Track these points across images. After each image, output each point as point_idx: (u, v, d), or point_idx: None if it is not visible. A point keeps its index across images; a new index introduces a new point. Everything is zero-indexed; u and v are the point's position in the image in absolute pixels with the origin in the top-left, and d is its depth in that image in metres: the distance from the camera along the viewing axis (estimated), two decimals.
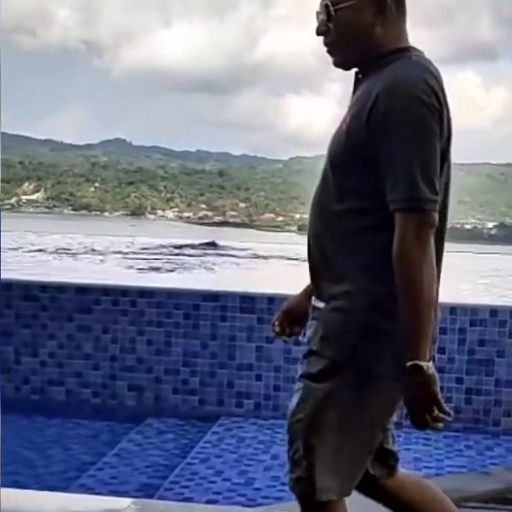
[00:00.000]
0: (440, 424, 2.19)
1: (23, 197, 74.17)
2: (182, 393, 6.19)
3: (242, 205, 77.36)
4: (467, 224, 66.48)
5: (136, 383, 6.19)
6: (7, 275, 7.12)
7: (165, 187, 77.39)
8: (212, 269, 10.21)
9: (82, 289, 6.27)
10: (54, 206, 74.50)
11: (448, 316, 5.85)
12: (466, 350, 5.91)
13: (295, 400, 2.31)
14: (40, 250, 11.40)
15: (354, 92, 2.35)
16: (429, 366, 2.13)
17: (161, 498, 4.59)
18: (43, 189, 75.26)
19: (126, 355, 6.17)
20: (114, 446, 5.49)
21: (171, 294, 6.20)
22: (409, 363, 2.13)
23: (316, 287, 2.37)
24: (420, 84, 2.18)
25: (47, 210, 72.07)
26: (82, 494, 4.46)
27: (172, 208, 79.03)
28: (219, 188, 78.22)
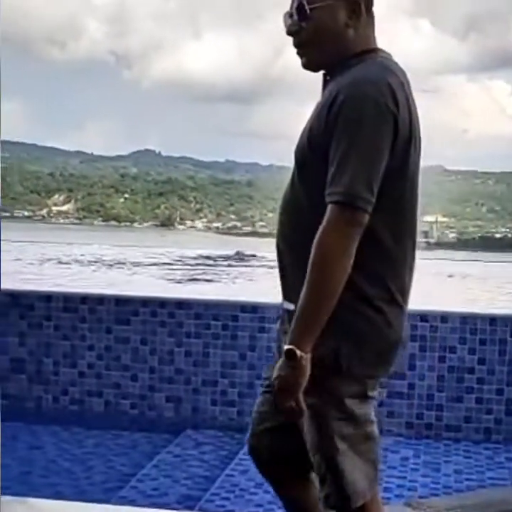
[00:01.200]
0: (295, 418, 2.22)
1: (54, 208, 74.59)
2: (220, 405, 6.19)
3: (271, 215, 77.33)
4: (497, 233, 65.97)
5: (174, 394, 6.20)
6: (44, 287, 7.16)
7: (194, 198, 77.58)
8: (251, 279, 10.19)
9: (120, 301, 6.29)
10: (84, 217, 74.80)
11: (487, 327, 5.82)
12: (507, 361, 5.86)
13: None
14: (75, 261, 11.44)
15: (323, 93, 2.35)
16: (303, 357, 2.13)
17: (201, 510, 4.59)
18: (73, 200, 75.67)
19: (164, 367, 6.18)
20: (154, 457, 5.50)
21: (209, 305, 6.20)
22: (288, 347, 2.14)
23: (286, 288, 2.36)
24: (377, 84, 2.18)
25: (77, 221, 72.41)
26: (124, 506, 4.47)
27: (201, 218, 79.13)
28: (248, 198, 78.23)
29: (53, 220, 71.18)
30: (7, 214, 73.57)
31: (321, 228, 2.14)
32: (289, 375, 2.15)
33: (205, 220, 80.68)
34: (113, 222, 75.21)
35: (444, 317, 5.89)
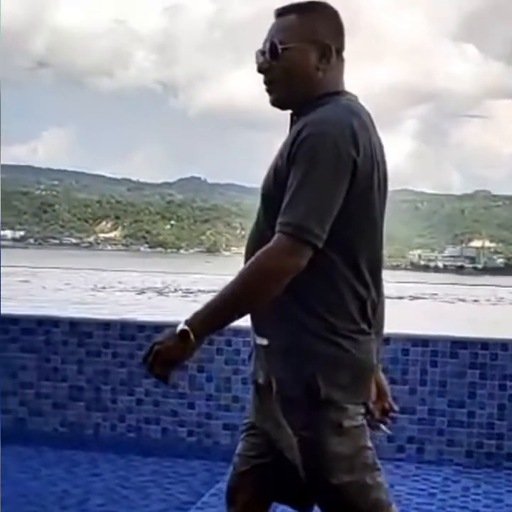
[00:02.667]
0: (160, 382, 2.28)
1: (101, 235, 75.35)
2: None
3: None
4: None
5: (231, 422, 6.18)
6: (101, 315, 7.21)
7: (240, 224, 77.88)
8: None
9: None
10: (131, 244, 75.54)
11: None
12: None
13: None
14: (131, 288, 11.51)
15: (289, 132, 2.38)
16: (193, 342, 2.19)
17: None
18: (120, 227, 76.41)
19: (221, 394, 6.18)
20: (213, 485, 5.48)
21: None
22: (183, 327, 2.19)
23: (257, 323, 2.41)
24: (339, 125, 2.23)
25: (123, 248, 73.09)
26: None
27: None
28: None
29: (100, 246, 71.92)
30: (56, 241, 74.44)
31: (264, 248, 2.20)
32: (173, 347, 2.21)
33: None
34: (159, 249, 75.79)
35: (505, 344, 5.82)
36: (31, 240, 75.75)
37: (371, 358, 2.37)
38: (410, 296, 11.68)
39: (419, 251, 72.00)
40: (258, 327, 2.41)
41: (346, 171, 2.21)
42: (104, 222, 75.53)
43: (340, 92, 2.39)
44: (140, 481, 5.53)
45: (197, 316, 2.22)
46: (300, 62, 2.36)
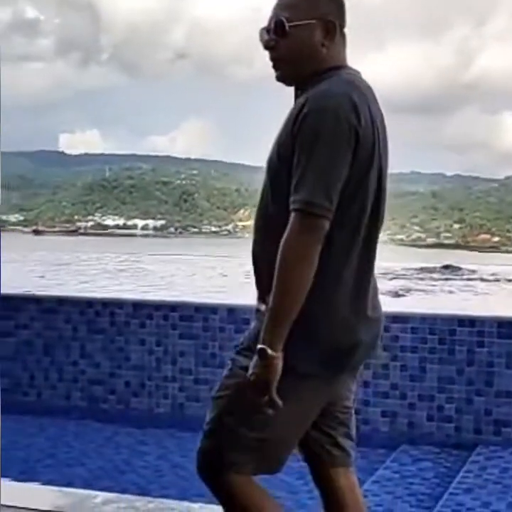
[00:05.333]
0: (269, 410, 2.30)
1: (239, 223, 76.15)
2: (437, 420, 6.07)
3: (456, 226, 75.92)
4: None
5: (389, 409, 6.13)
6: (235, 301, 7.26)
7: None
8: (453, 292, 10.00)
9: None
10: None
11: None
12: None
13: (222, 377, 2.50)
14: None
15: (294, 105, 2.44)
16: (274, 356, 2.26)
17: None
18: None
19: (379, 381, 6.12)
20: (373, 473, 5.44)
21: (425, 318, 6.10)
22: (259, 346, 2.27)
23: (259, 291, 2.47)
24: (339, 98, 2.29)
25: None
26: None
27: (385, 230, 78.74)
28: (432, 210, 77.21)
29: (239, 234, 72.75)
30: (195, 229, 75.83)
31: (284, 235, 2.28)
32: (261, 373, 2.28)
33: (388, 232, 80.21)
34: None
35: None
36: (171, 229, 77.45)
37: (357, 335, 2.41)
38: None
39: None
40: (262, 294, 2.47)
41: (349, 139, 2.28)
42: (242, 211, 76.33)
43: (341, 67, 2.44)
44: (299, 466, 5.55)
45: (265, 330, 2.29)
46: (306, 40, 2.42)
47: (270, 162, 2.45)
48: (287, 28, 2.41)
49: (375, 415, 6.15)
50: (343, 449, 2.62)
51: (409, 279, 11.12)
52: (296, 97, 2.46)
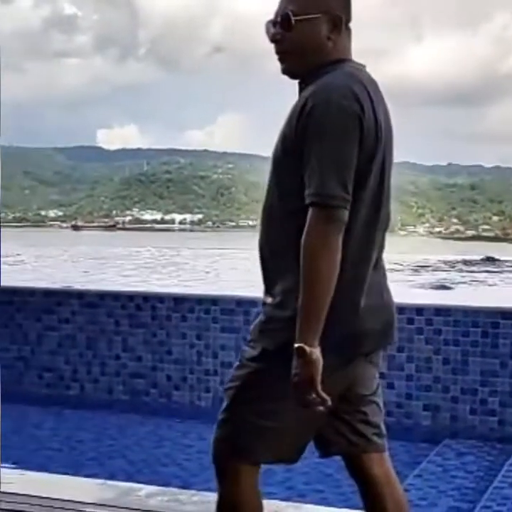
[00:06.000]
0: (320, 407, 2.28)
1: None
2: (480, 414, 6.02)
3: (496, 218, 75.40)
4: None
5: (432, 403, 6.09)
6: None
7: (415, 202, 76.95)
8: (495, 284, 9.92)
9: None
10: None
11: None
12: None
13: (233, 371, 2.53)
14: None
15: (298, 99, 2.45)
16: (313, 351, 2.24)
17: None
18: None
19: (421, 374, 6.09)
20: (415, 467, 5.41)
21: (468, 311, 6.05)
22: (296, 345, 2.25)
23: (265, 284, 2.48)
24: (342, 90, 2.31)
25: None
26: None
27: (423, 223, 78.37)
28: (471, 202, 76.67)
29: None
30: (233, 223, 75.94)
31: (304, 233, 2.27)
32: (303, 371, 2.26)
33: (427, 224, 79.77)
34: None
35: None
36: (209, 223, 77.71)
37: (365, 323, 2.40)
38: None
39: None
40: (268, 286, 2.48)
41: (355, 129, 2.29)
42: None
43: (344, 60, 2.45)
44: (340, 459, 5.54)
45: (299, 328, 2.28)
46: (312, 34, 2.43)
47: (275, 156, 2.46)
48: (293, 21, 2.43)
49: (418, 409, 6.11)
50: (362, 435, 2.56)
51: (448, 272, 11.05)
52: (300, 90, 2.47)
